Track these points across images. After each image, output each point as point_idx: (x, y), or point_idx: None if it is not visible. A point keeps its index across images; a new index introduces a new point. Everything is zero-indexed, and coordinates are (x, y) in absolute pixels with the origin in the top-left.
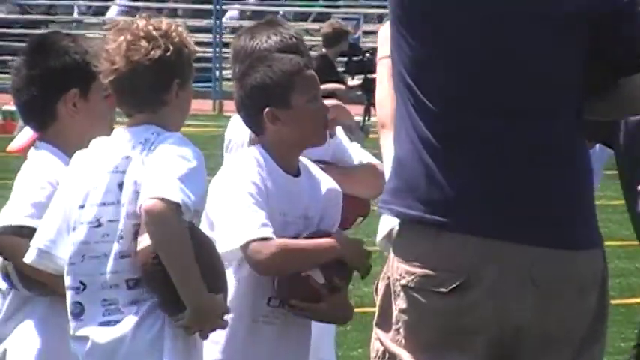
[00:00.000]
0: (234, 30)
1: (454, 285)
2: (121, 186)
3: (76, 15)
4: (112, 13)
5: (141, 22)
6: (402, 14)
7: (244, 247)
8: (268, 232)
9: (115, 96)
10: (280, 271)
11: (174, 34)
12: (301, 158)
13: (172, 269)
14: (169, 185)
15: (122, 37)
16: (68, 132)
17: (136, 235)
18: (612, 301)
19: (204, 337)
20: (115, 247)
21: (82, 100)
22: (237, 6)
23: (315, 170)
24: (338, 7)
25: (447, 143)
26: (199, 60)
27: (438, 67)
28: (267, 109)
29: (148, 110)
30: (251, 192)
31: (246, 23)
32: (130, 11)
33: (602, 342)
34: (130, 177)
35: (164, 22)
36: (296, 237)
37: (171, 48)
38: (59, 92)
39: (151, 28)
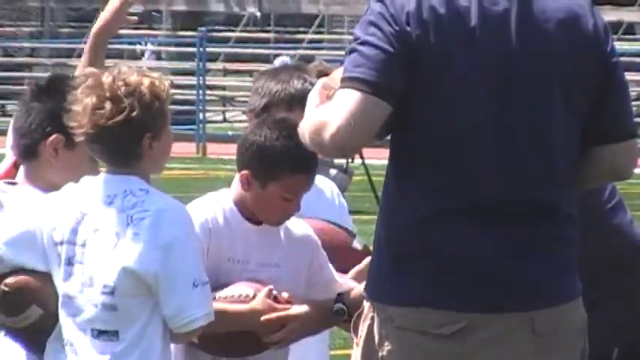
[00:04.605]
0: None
1: (456, 329)
2: (95, 231)
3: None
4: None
5: (107, 80)
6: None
7: None
8: None
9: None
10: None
11: (143, 88)
12: None
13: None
14: (195, 309)
15: (88, 100)
16: (43, 174)
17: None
18: None
19: None
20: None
21: (66, 149)
22: (221, 50)
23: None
24: (322, 48)
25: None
26: (183, 103)
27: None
28: (245, 172)
29: (122, 165)
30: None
31: (230, 66)
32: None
33: None
34: (107, 230)
35: (133, 77)
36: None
37: (138, 105)
38: (45, 133)
39: (117, 86)
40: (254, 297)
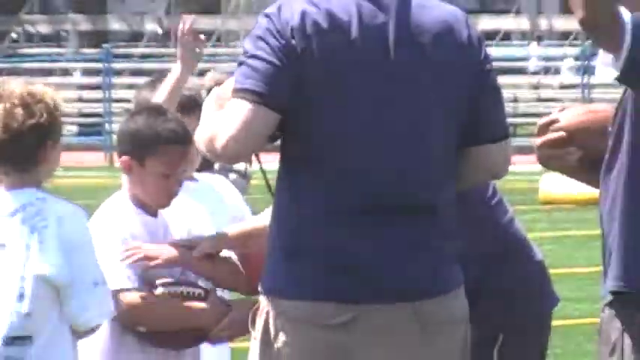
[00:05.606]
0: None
1: (345, 320)
2: (2, 247)
3: None
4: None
5: (17, 89)
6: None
7: (114, 297)
8: (128, 283)
9: None
10: (138, 323)
11: (48, 99)
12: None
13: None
14: (95, 309)
15: (0, 106)
16: None
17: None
18: None
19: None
20: None
21: None
22: (126, 65)
23: (178, 202)
24: (220, 61)
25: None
26: (91, 115)
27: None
28: (124, 157)
29: (24, 170)
30: (111, 244)
31: (137, 80)
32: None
33: None
34: (14, 243)
35: (39, 88)
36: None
37: (45, 113)
38: None
39: (26, 94)
40: (206, 294)
